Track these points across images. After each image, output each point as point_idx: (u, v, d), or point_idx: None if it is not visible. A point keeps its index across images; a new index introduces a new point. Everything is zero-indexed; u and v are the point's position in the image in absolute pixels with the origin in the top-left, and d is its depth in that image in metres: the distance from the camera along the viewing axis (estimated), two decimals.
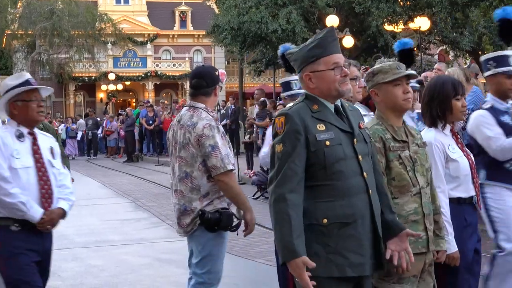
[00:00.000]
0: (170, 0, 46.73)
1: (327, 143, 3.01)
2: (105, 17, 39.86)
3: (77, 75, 41.85)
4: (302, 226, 2.94)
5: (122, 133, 25.17)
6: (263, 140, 13.85)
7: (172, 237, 9.09)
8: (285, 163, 2.98)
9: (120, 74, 41.99)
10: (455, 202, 3.91)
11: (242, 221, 4.42)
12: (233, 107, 19.29)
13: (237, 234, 4.48)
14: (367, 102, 5.34)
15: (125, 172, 19.39)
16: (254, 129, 15.20)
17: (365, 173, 3.07)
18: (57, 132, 11.71)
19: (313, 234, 2.98)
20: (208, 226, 4.28)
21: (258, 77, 31.82)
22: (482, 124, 4.60)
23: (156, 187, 15.31)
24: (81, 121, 30.07)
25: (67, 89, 43.77)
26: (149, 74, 43.07)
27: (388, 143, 3.50)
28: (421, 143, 3.64)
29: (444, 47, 26.44)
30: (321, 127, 3.03)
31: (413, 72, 3.70)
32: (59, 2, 37.94)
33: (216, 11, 30.32)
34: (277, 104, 14.21)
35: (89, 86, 43.91)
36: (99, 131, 28.17)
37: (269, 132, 5.22)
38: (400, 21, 19.19)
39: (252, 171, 14.24)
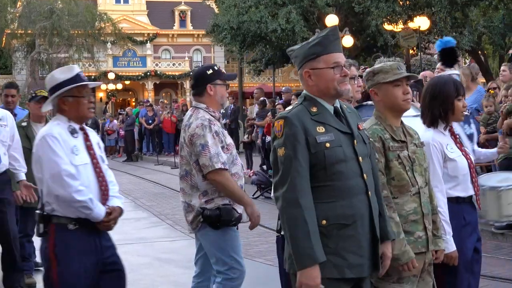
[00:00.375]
0: None
1: (327, 145, 3.00)
2: (105, 16, 39.79)
3: None
4: (318, 231, 2.92)
5: (122, 132, 25.17)
6: (262, 140, 13.91)
7: (172, 237, 9.11)
8: (290, 166, 2.95)
9: (120, 74, 41.92)
10: (453, 201, 3.91)
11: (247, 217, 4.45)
12: (232, 106, 19.27)
13: (237, 229, 4.50)
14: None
15: (124, 171, 19.38)
16: (254, 129, 15.20)
17: (365, 175, 3.07)
18: None
19: None
20: (210, 223, 4.33)
21: (257, 76, 31.76)
22: None
23: (155, 187, 15.30)
24: None
25: None
26: (148, 73, 43.02)
27: (387, 143, 3.51)
28: (419, 143, 3.65)
29: None
30: (320, 129, 3.02)
31: (414, 74, 3.71)
32: (59, 2, 37.86)
33: (216, 10, 30.27)
34: (276, 104, 14.21)
35: None
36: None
37: None
38: (400, 21, 19.19)
39: (252, 171, 14.23)
